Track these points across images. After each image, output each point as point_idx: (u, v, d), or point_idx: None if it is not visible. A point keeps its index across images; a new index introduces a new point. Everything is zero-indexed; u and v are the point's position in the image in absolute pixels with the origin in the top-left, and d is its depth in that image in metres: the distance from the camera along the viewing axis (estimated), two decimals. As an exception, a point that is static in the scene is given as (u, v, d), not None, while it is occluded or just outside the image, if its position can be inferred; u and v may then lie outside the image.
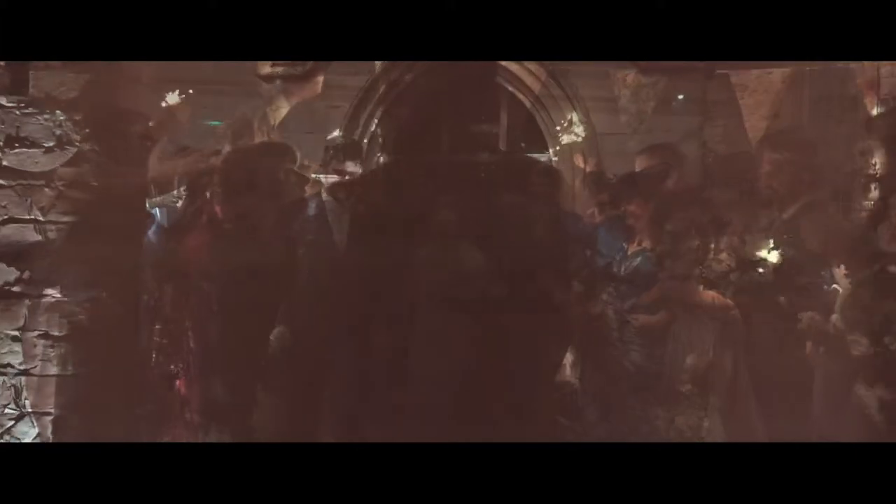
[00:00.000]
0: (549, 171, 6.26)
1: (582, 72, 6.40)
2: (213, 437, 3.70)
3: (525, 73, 6.84)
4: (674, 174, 4.48)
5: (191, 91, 4.71)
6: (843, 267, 3.59)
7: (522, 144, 7.70)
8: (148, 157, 3.98)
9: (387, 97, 6.88)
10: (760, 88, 5.77)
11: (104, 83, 3.25)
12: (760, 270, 3.85)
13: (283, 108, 5.23)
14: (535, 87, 7.07)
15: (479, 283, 2.82)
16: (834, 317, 3.59)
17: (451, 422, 2.65)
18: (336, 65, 6.14)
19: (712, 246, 3.95)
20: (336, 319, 3.58)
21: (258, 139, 4.81)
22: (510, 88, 7.20)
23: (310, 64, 5.86)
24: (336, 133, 5.86)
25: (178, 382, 4.18)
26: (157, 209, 4.17)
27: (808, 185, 3.91)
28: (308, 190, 4.54)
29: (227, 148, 4.46)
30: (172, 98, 4.51)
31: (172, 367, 4.10)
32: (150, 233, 4.02)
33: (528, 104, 7.38)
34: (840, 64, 4.39)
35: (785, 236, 3.79)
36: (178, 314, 4.11)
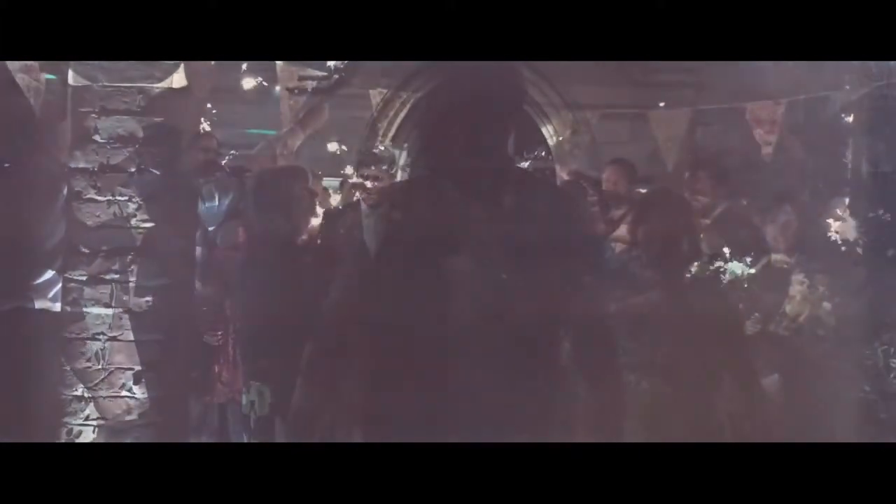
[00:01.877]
0: (552, 176, 7.12)
1: (582, 79, 7.23)
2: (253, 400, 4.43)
3: (527, 83, 7.67)
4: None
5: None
6: (748, 260, 4.70)
7: (526, 151, 8.59)
8: (200, 171, 4.93)
9: (405, 106, 7.71)
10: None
11: (171, 117, 4.11)
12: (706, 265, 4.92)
13: (299, 137, 6.14)
14: (537, 95, 7.91)
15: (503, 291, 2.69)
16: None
17: (470, 424, 2.60)
18: (353, 74, 6.97)
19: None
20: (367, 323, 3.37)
21: (280, 162, 5.66)
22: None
23: (331, 77, 6.74)
24: (336, 142, 6.60)
25: (216, 367, 5.11)
26: (204, 215, 5.02)
27: (724, 197, 5.09)
28: (321, 198, 5.35)
29: (255, 167, 5.35)
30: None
31: (217, 342, 5.09)
32: (198, 236, 4.85)
33: (531, 112, 8.22)
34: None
35: (702, 236, 4.83)
36: (220, 305, 5.09)
